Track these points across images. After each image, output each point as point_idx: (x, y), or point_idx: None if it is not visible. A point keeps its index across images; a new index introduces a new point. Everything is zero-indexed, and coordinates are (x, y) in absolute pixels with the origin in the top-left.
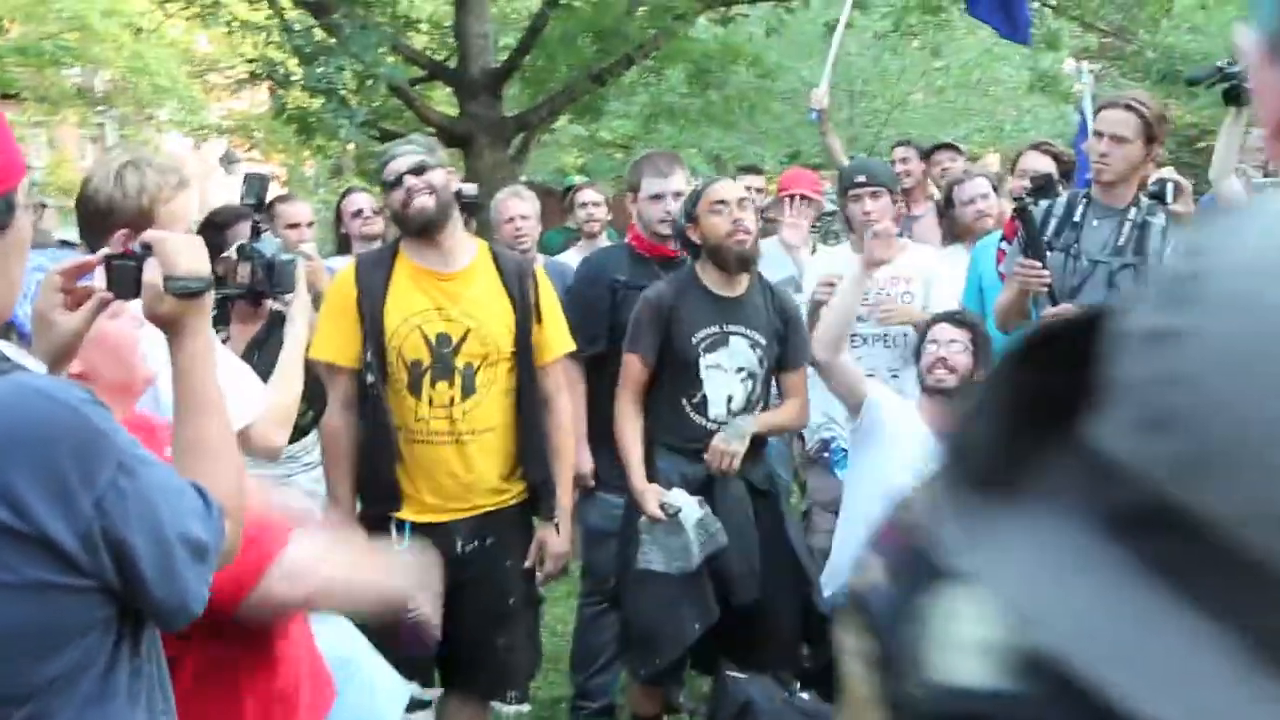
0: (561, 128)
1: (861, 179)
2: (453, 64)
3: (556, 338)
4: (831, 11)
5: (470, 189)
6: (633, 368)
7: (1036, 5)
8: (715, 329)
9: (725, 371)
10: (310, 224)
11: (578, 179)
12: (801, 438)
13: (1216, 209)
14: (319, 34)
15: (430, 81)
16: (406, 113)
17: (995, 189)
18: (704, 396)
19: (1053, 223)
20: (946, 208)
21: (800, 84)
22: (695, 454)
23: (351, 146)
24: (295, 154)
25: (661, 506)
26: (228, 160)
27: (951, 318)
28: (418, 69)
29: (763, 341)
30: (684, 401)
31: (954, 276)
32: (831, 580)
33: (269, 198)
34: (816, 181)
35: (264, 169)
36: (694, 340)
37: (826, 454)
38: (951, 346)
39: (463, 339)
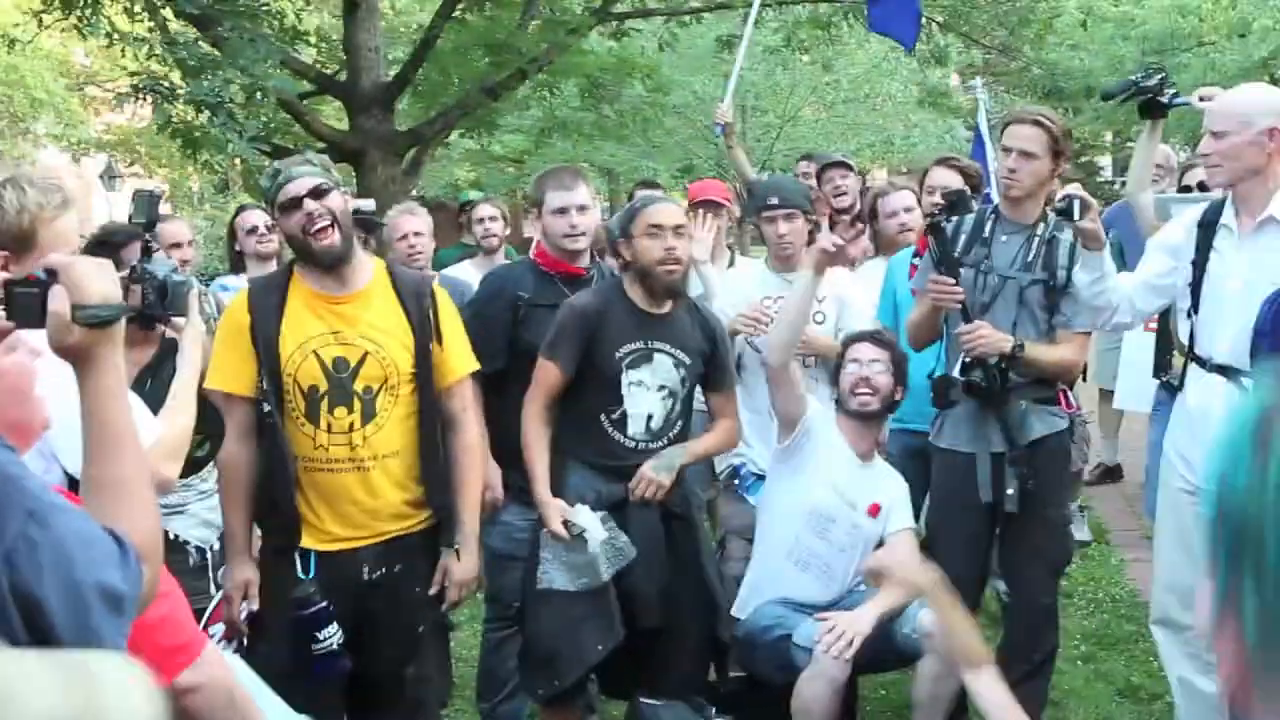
0: (454, 142)
1: (774, 200)
2: (343, 78)
3: (459, 358)
4: (724, 26)
5: (368, 205)
6: (548, 374)
7: (924, 21)
8: (640, 345)
9: (647, 389)
10: (190, 242)
11: (472, 194)
12: (711, 465)
13: (1129, 219)
14: (205, 46)
15: (320, 95)
16: (295, 127)
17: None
18: (624, 413)
19: (962, 238)
20: (870, 220)
21: (693, 98)
22: (611, 471)
23: (239, 161)
24: (179, 169)
25: (566, 525)
26: (108, 176)
27: (871, 337)
28: (307, 83)
29: (687, 361)
30: (603, 417)
31: (868, 293)
32: (749, 600)
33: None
34: (724, 189)
35: (148, 184)
36: (618, 355)
37: (736, 480)
38: (873, 367)
39: (360, 362)
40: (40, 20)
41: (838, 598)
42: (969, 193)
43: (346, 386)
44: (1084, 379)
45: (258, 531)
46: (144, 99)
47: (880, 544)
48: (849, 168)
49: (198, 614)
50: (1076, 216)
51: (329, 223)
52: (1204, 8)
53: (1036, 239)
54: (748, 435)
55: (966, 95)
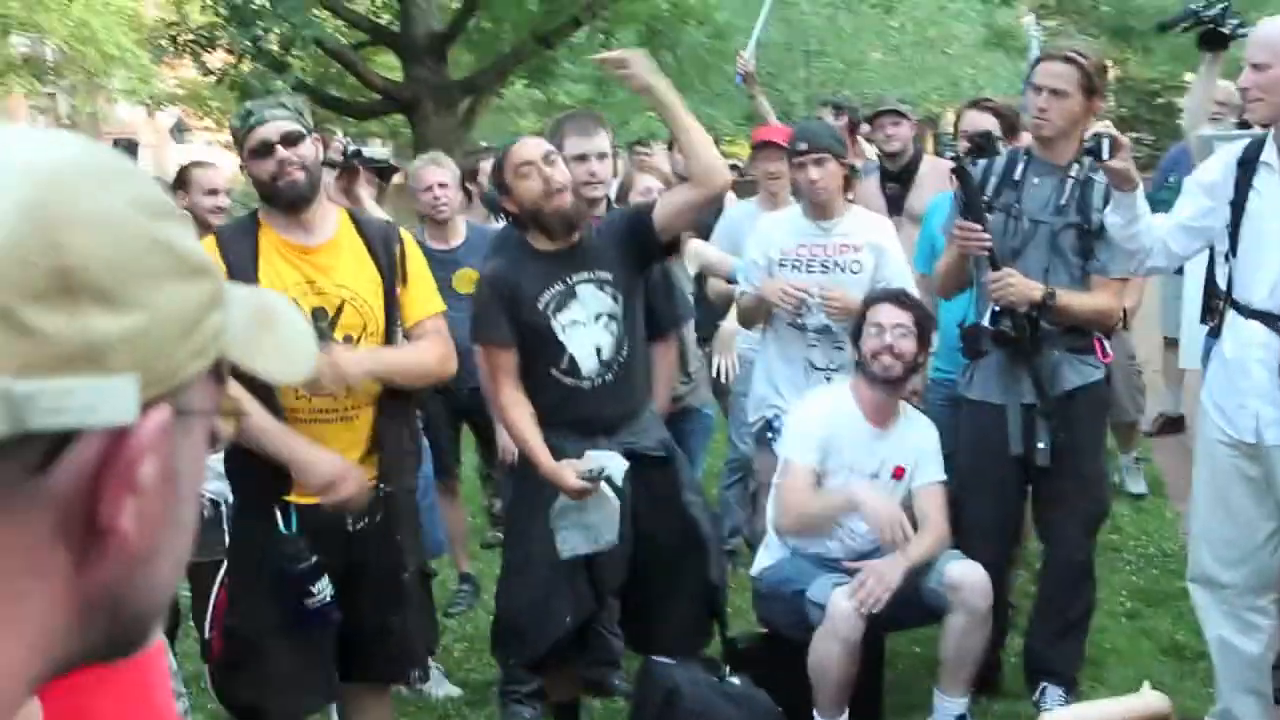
0: (517, 92)
1: (804, 146)
2: (396, 27)
3: (422, 298)
4: None
5: (380, 153)
6: (495, 356)
7: None
8: (559, 285)
9: (584, 325)
10: (226, 191)
11: None
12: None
13: (1186, 162)
14: None
15: (374, 46)
16: (349, 78)
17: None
18: (571, 358)
19: (992, 181)
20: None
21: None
22: (575, 424)
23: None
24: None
25: (583, 477)
26: (178, 130)
27: (895, 298)
28: (360, 33)
29: (609, 277)
30: (554, 371)
31: (897, 241)
32: (764, 560)
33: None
34: (787, 133)
35: (221, 138)
36: (540, 305)
37: (770, 434)
38: (896, 332)
39: (338, 311)
40: None
41: (861, 555)
42: (997, 134)
43: (327, 336)
44: (1125, 326)
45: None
46: (184, 51)
47: (908, 500)
48: (903, 115)
49: (214, 566)
50: (1106, 156)
51: (300, 174)
52: None
53: (1070, 181)
54: (781, 386)
55: (1029, 36)
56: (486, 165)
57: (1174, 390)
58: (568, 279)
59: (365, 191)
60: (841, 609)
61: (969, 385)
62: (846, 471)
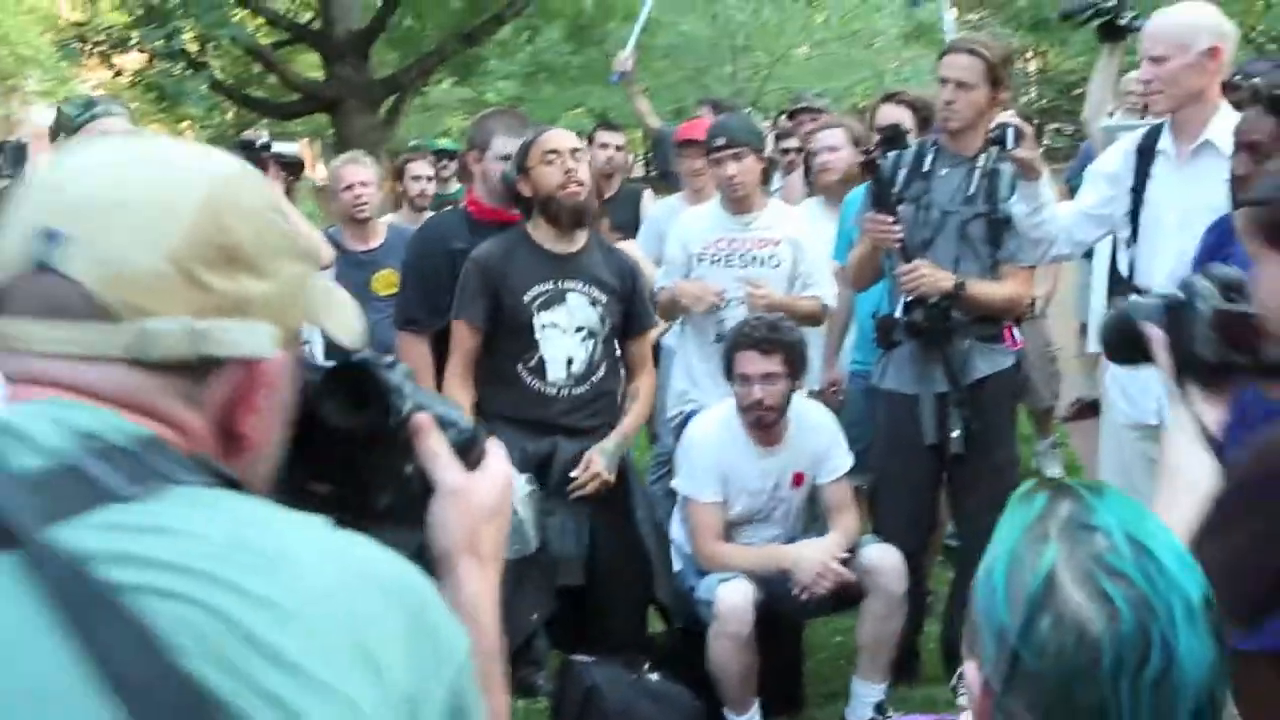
0: (444, 90)
1: (721, 141)
2: (317, 26)
3: None
4: None
5: (290, 149)
6: (461, 335)
7: None
8: (550, 285)
9: (563, 331)
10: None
11: (442, 143)
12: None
13: (1092, 154)
14: None
15: (294, 45)
16: (270, 78)
17: (858, 144)
18: (541, 359)
19: (902, 173)
20: (807, 159)
21: (681, 40)
22: (535, 425)
23: (230, 115)
24: (170, 125)
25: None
26: (100, 133)
27: (757, 344)
28: (281, 31)
29: (603, 298)
30: (520, 366)
31: (820, 232)
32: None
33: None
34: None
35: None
36: (526, 298)
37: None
38: (762, 384)
39: None
40: None
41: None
42: (907, 127)
43: None
44: (1040, 313)
45: None
46: (92, 52)
47: (813, 497)
48: (819, 111)
49: None
50: (1010, 145)
51: None
52: None
53: (978, 171)
54: (698, 377)
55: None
56: (414, 166)
57: (1089, 375)
58: (560, 282)
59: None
60: (728, 604)
61: (883, 376)
62: (747, 497)
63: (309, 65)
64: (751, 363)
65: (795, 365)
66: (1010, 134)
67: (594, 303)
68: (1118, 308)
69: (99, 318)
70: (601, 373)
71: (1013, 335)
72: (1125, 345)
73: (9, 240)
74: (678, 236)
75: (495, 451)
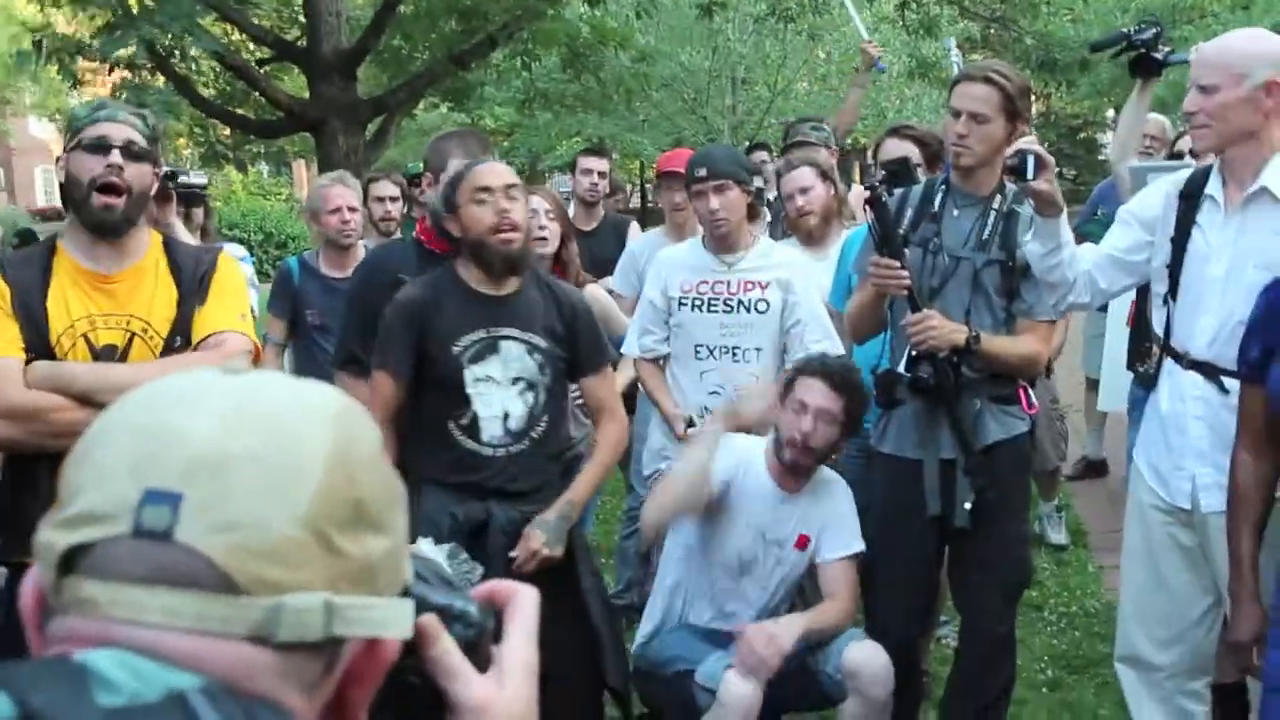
0: (441, 115)
1: (702, 173)
2: (303, 44)
3: (216, 316)
4: None
5: (198, 179)
6: (381, 386)
7: None
8: (481, 334)
9: (498, 384)
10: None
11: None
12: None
13: (1115, 194)
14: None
15: (279, 62)
16: (254, 95)
17: (827, 177)
18: (474, 416)
19: (909, 213)
20: (778, 201)
21: (680, 70)
22: (470, 489)
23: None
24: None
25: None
26: None
27: (832, 377)
28: (265, 49)
29: (542, 344)
30: (451, 425)
31: (811, 276)
32: (649, 631)
33: None
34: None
35: None
36: (455, 349)
37: None
38: (820, 419)
39: (127, 347)
40: None
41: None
42: (915, 161)
43: None
44: (1049, 372)
45: None
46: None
47: (811, 572)
48: (770, 150)
49: None
50: (1030, 175)
51: (121, 195)
52: None
53: (993, 213)
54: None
55: (949, 61)
56: (377, 186)
57: (1096, 433)
58: (492, 329)
59: (175, 218)
60: (735, 694)
61: (882, 438)
62: (749, 531)
63: (299, 85)
64: (816, 394)
65: (854, 418)
66: (1030, 162)
67: (532, 350)
68: None
69: (226, 590)
70: (543, 427)
71: (1028, 398)
72: None
73: (103, 493)
74: (655, 279)
75: (514, 640)
